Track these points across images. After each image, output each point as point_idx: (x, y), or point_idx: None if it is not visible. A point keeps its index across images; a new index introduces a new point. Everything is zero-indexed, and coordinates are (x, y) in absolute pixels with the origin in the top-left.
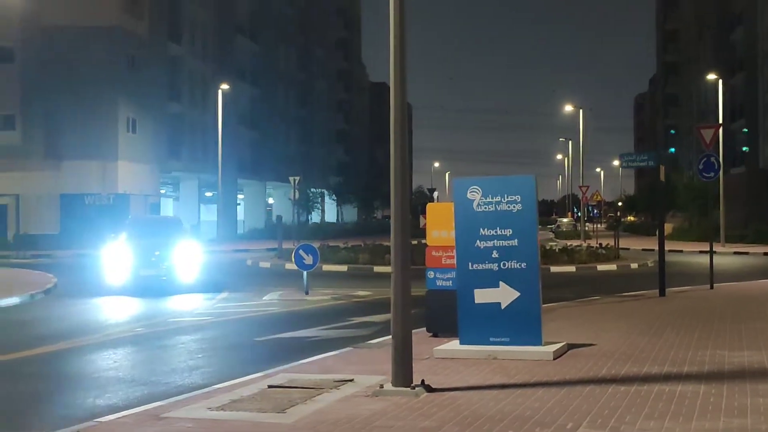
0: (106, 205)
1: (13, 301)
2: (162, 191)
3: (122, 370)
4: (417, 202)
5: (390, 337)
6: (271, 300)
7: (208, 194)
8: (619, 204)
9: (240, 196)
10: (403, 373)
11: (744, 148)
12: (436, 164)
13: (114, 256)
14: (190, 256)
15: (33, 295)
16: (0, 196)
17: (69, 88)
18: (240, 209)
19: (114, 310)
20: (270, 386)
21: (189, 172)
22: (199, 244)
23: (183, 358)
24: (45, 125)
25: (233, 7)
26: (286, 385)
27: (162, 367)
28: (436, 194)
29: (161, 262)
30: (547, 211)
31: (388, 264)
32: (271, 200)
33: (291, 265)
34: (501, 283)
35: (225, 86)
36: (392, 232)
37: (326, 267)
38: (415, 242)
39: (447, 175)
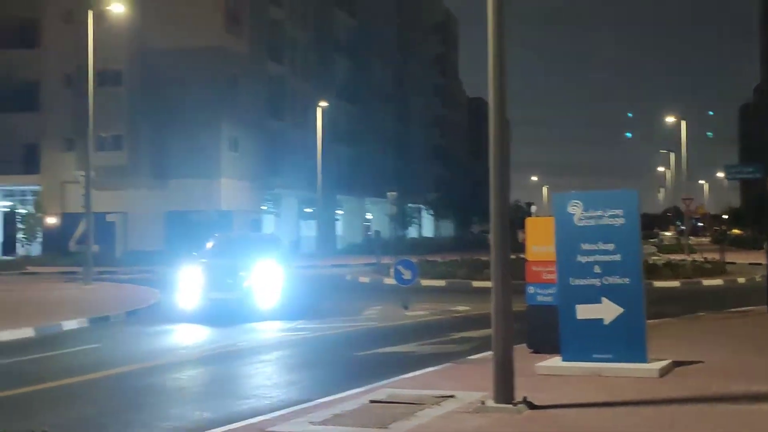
0: (210, 221)
1: (115, 317)
2: (264, 208)
3: (225, 384)
4: (514, 217)
5: (490, 352)
6: (371, 315)
7: (308, 210)
8: (724, 217)
9: (339, 212)
10: (504, 390)
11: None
12: (534, 178)
13: (188, 277)
14: (272, 277)
15: (134, 312)
16: (109, 213)
17: (173, 109)
18: (339, 225)
19: (206, 329)
20: (371, 401)
21: (289, 188)
22: (289, 262)
23: (284, 372)
24: (151, 145)
25: (332, 26)
26: (388, 400)
27: (263, 381)
28: (534, 208)
29: (238, 283)
30: (649, 224)
31: (487, 279)
32: (369, 215)
33: (390, 280)
34: (603, 298)
35: (324, 104)
36: (492, 247)
37: (424, 282)
38: (513, 257)
39: (544, 189)
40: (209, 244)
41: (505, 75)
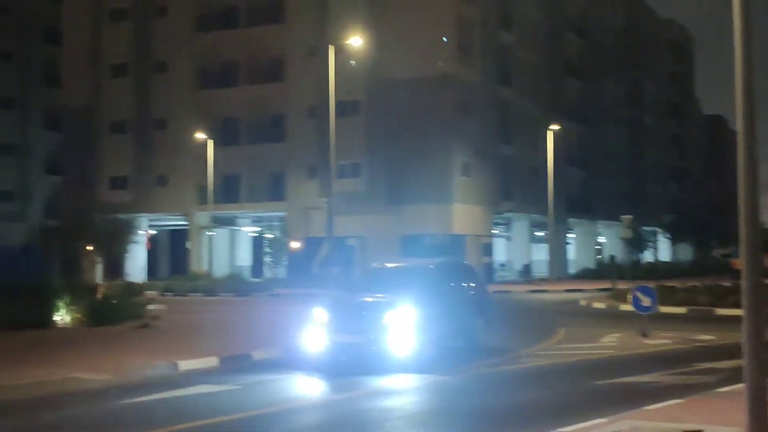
0: (442, 245)
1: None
2: (494, 231)
3: (465, 411)
4: (762, 240)
5: (740, 385)
6: (609, 342)
7: (539, 234)
8: None
9: (570, 235)
10: (759, 426)
11: None
12: None
13: (315, 315)
14: (408, 320)
15: None
16: (348, 237)
17: (407, 136)
18: (570, 248)
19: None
20: None
21: (520, 212)
22: (487, 294)
23: (521, 399)
24: (386, 171)
25: (562, 48)
26: None
27: (502, 408)
28: None
29: (367, 324)
30: None
31: (731, 306)
32: (601, 239)
33: (626, 306)
34: None
35: (554, 126)
36: (744, 272)
37: (663, 309)
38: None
39: None
40: (376, 265)
41: (752, 93)
